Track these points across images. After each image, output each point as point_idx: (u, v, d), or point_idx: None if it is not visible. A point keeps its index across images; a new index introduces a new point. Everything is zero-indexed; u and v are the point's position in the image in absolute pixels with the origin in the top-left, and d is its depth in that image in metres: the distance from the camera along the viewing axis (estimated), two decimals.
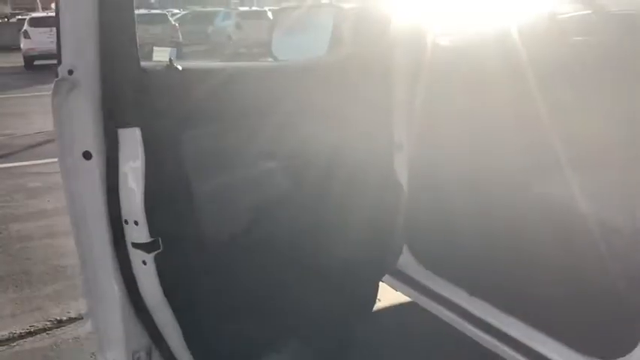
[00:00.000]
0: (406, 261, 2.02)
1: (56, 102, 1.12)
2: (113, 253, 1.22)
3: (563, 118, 1.71)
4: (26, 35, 16.28)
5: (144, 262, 1.22)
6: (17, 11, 36.76)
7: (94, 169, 1.18)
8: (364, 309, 2.44)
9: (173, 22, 17.70)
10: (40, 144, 6.51)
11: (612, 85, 1.54)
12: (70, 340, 2.58)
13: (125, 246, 1.22)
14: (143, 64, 1.18)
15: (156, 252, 1.22)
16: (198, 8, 23.77)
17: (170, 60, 1.22)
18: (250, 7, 24.51)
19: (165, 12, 18.35)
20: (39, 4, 41.10)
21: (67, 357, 2.47)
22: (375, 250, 1.86)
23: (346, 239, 1.74)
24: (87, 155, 1.17)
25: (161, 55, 1.23)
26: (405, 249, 2.03)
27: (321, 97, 1.65)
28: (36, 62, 16.16)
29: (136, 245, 1.22)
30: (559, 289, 1.71)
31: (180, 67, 1.24)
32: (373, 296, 2.42)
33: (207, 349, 1.37)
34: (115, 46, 1.12)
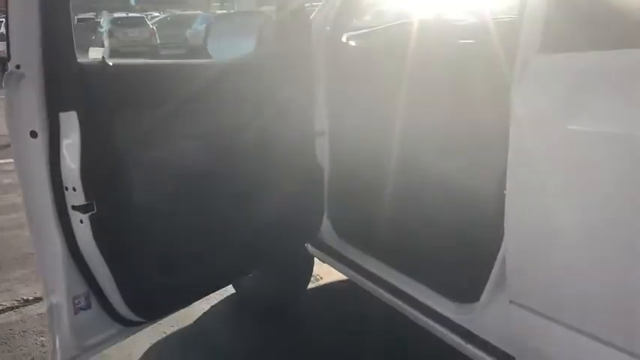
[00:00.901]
0: (327, 231, 2.31)
1: (7, 91, 1.39)
2: (56, 214, 1.50)
3: (451, 107, 2.05)
4: None
5: (81, 221, 1.50)
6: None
7: (40, 145, 1.45)
8: (297, 280, 2.75)
9: (151, 26, 17.82)
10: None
11: (489, 81, 1.84)
12: (36, 316, 2.84)
13: (66, 208, 1.50)
14: (80, 60, 1.47)
15: (90, 213, 1.50)
16: (178, 12, 23.81)
17: (102, 57, 1.51)
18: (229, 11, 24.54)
19: (143, 15, 18.44)
20: None
21: (31, 329, 2.73)
22: (297, 220, 2.14)
23: (269, 209, 2.03)
24: (33, 134, 1.44)
25: (96, 54, 1.51)
26: (326, 221, 2.31)
27: (244, 90, 1.95)
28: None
29: (74, 207, 1.49)
30: (443, 249, 2.04)
31: (111, 63, 1.53)
32: (305, 269, 2.72)
33: (137, 295, 1.65)
34: (55, 45, 1.40)
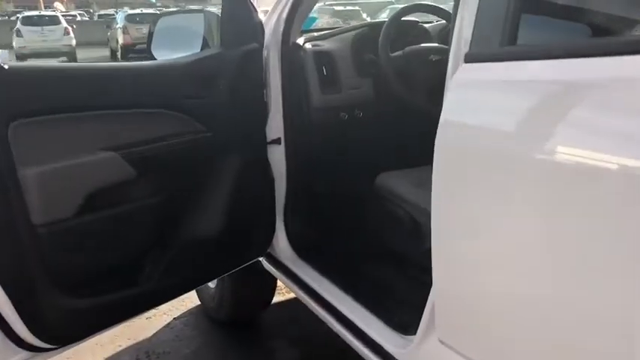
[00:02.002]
0: (282, 248, 2.15)
1: None
2: None
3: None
4: (18, 34, 16.49)
5: None
6: (19, 9, 37.17)
7: None
8: (258, 293, 2.60)
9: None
10: None
11: None
12: None
13: None
14: None
15: None
16: (194, 7, 23.64)
17: None
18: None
19: (157, 12, 18.37)
20: (42, 2, 41.45)
21: None
22: (243, 234, 1.99)
23: (208, 221, 1.89)
24: None
25: None
26: (282, 237, 2.16)
27: (181, 95, 1.80)
28: (29, 60, 16.40)
29: None
30: (397, 276, 1.89)
31: (6, 67, 1.40)
32: (266, 284, 2.57)
33: (40, 320, 1.51)
34: None
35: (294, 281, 2.11)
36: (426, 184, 1.95)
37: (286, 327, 2.75)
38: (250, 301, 2.64)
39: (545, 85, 1.05)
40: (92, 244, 1.60)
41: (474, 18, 1.18)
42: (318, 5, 21.24)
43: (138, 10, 19.64)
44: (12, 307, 1.45)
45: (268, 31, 2.05)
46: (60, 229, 1.52)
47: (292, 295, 2.93)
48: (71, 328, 1.61)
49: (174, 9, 23.61)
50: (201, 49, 2.02)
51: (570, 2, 1.23)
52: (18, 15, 20.81)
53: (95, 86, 1.61)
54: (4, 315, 1.47)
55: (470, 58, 1.17)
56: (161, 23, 2.05)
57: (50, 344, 1.58)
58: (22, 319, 1.48)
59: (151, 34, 2.04)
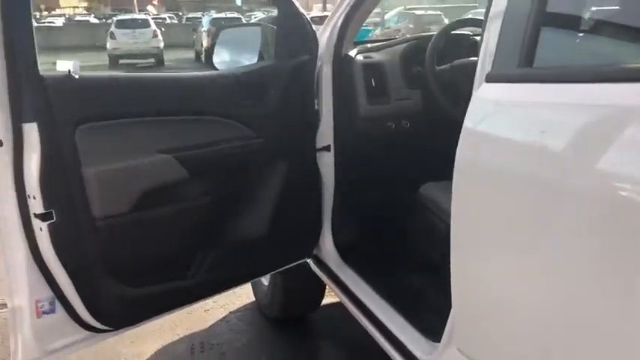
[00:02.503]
0: (328, 251, 2.25)
1: None
2: (20, 220, 1.56)
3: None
4: (112, 36, 17.51)
5: (40, 229, 1.55)
6: (116, 12, 39.36)
7: (4, 154, 1.52)
8: (307, 293, 2.70)
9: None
10: None
11: None
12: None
13: (29, 215, 1.56)
14: (43, 73, 1.52)
15: (49, 221, 1.54)
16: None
17: (69, 71, 1.56)
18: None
19: (240, 16, 18.91)
20: (136, 5, 43.66)
21: None
22: (289, 235, 2.10)
23: (257, 220, 2.01)
24: (0, 143, 1.52)
25: (64, 66, 1.56)
26: (328, 241, 2.25)
27: (236, 103, 1.93)
28: (120, 61, 17.40)
29: (35, 215, 1.55)
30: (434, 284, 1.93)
31: (77, 76, 1.57)
32: (314, 284, 2.66)
33: (99, 303, 1.69)
34: (17, 58, 1.46)
35: (336, 284, 2.20)
36: None
37: (336, 328, 2.83)
38: (299, 301, 2.74)
39: (560, 108, 1.08)
40: (145, 238, 1.76)
41: (497, 39, 1.22)
42: (397, 10, 21.27)
43: (222, 15, 20.35)
44: (75, 292, 1.63)
45: (322, 43, 2.15)
46: (117, 223, 1.68)
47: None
48: (124, 313, 1.78)
49: (259, 13, 24.27)
50: (257, 61, 2.14)
51: (588, 26, 1.24)
52: (113, 18, 22.08)
53: (154, 94, 1.77)
54: (68, 298, 1.65)
55: (490, 78, 1.21)
56: (223, 36, 2.20)
57: (106, 326, 1.74)
58: (83, 302, 1.66)
59: (213, 46, 2.19)
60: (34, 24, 1.53)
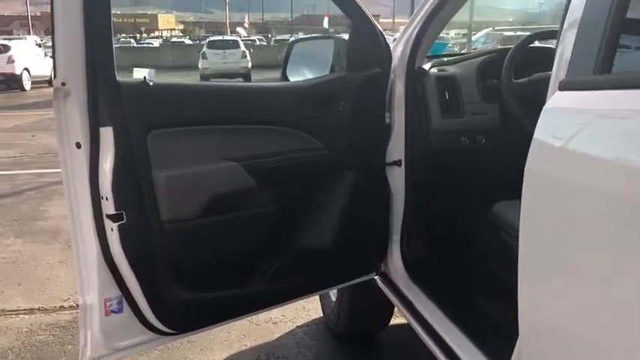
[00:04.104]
0: (396, 269, 2.19)
1: (55, 105, 1.56)
2: (93, 220, 1.63)
3: None
4: (203, 56, 18.29)
5: (112, 229, 1.61)
6: (209, 34, 41.16)
7: (83, 156, 1.60)
8: (375, 311, 2.64)
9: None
10: None
11: None
12: None
13: (102, 216, 1.63)
14: (120, 80, 1.59)
15: (120, 222, 1.60)
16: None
17: (144, 78, 1.62)
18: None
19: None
20: (228, 28, 45.48)
21: None
22: (354, 249, 2.07)
23: (325, 233, 1.99)
24: (78, 145, 1.59)
25: (140, 74, 1.62)
26: (397, 258, 2.20)
27: (304, 113, 1.94)
28: (211, 80, 18.11)
29: (107, 216, 1.61)
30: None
31: (151, 83, 1.63)
32: (381, 302, 2.60)
33: (165, 306, 1.72)
34: (96, 64, 1.54)
35: (403, 303, 2.13)
36: None
37: (401, 350, 2.76)
38: (365, 318, 2.69)
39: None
40: (212, 244, 1.79)
41: (572, 45, 1.15)
42: (485, 31, 20.83)
43: (308, 36, 20.75)
44: (141, 293, 1.68)
45: (396, 56, 2.13)
46: (184, 227, 1.72)
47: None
48: (189, 318, 1.80)
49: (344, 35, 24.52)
50: (329, 73, 2.15)
51: None
52: (206, 39, 23.08)
53: (225, 103, 1.81)
54: (135, 299, 1.70)
55: (564, 86, 1.14)
56: (295, 48, 2.23)
57: (171, 329, 1.78)
58: (149, 304, 1.70)
59: (286, 58, 2.22)
60: (134, 44, 1.61)
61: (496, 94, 2.13)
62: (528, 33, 2.26)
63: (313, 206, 1.98)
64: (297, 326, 2.98)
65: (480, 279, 2.11)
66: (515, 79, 2.00)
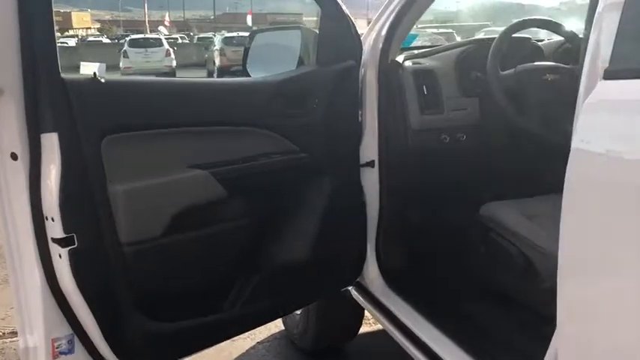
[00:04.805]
0: (372, 277, 2.02)
1: None
2: (35, 245, 1.35)
3: None
4: (125, 55, 17.55)
5: (59, 256, 1.34)
6: (128, 33, 39.68)
7: (20, 168, 1.32)
8: (344, 323, 2.47)
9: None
10: None
11: None
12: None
13: (46, 240, 1.35)
14: (65, 76, 1.32)
15: (70, 247, 1.33)
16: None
17: (94, 74, 1.36)
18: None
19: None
20: (147, 27, 44.09)
21: None
22: (330, 261, 1.88)
23: (297, 246, 1.80)
24: (14, 156, 1.31)
25: (88, 69, 1.36)
26: (372, 266, 2.03)
27: (273, 113, 1.72)
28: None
29: (54, 240, 1.34)
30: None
31: (103, 80, 1.37)
32: (353, 313, 2.44)
33: (126, 341, 1.46)
34: (36, 60, 1.26)
35: (383, 313, 1.97)
36: (540, 217, 1.78)
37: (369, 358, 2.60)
38: (335, 331, 2.51)
39: None
40: (178, 266, 1.54)
41: (615, 31, 1.01)
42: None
43: (235, 33, 20.32)
44: (97, 329, 1.41)
45: (366, 48, 1.95)
46: (147, 249, 1.47)
47: (380, 327, 2.80)
48: (153, 353, 1.55)
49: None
50: (297, 67, 1.94)
51: None
52: (126, 38, 22.14)
53: (190, 102, 1.57)
54: (90, 336, 1.43)
55: (610, 75, 1.00)
56: (257, 40, 2.00)
57: None
58: (106, 341, 1.44)
59: (246, 51, 2.00)
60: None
61: (479, 87, 2.00)
62: (452, 31, 2.17)
63: (289, 217, 1.78)
64: (257, 342, 2.75)
65: (464, 283, 1.98)
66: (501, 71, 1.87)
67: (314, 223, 1.81)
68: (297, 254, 1.79)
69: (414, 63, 2.05)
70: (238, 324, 1.73)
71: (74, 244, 1.34)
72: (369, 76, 1.93)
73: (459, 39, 16.98)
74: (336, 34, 1.85)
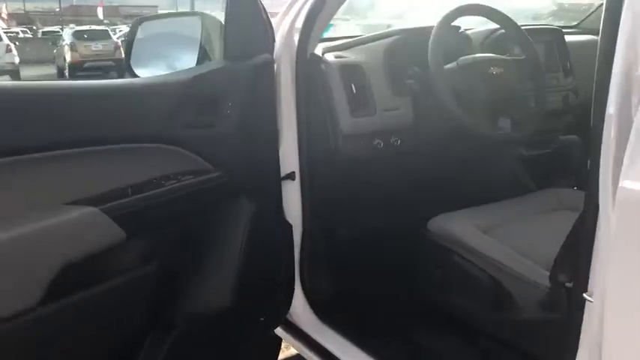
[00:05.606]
0: (299, 309, 1.72)
1: None
2: None
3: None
4: None
5: None
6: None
7: None
8: None
9: (115, 39, 16.88)
10: None
11: None
12: None
13: None
14: None
15: None
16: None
17: None
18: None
19: (107, 28, 17.64)
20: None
21: None
22: (258, 302, 1.56)
23: (218, 293, 1.45)
24: None
25: None
26: (299, 296, 1.73)
27: (178, 123, 1.34)
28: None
29: None
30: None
31: None
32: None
33: None
34: None
35: (316, 352, 1.68)
36: (495, 229, 1.58)
37: None
38: None
39: None
40: (66, 342, 1.12)
41: None
42: None
43: (87, 27, 18.76)
44: None
45: (279, 39, 1.61)
46: (20, 325, 1.03)
47: (294, 352, 2.51)
48: None
49: (124, 27, 22.71)
50: (197, 63, 1.56)
51: None
52: None
53: (61, 114, 1.14)
54: None
55: None
56: (144, 30, 1.59)
57: None
58: None
59: (130, 44, 1.58)
60: None
61: (415, 84, 1.74)
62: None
63: (203, 254, 1.41)
64: None
65: (411, 309, 1.75)
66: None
67: (235, 259, 1.46)
68: (218, 300, 1.43)
69: (336, 57, 1.74)
70: None
71: None
72: (284, 72, 1.60)
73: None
74: (246, 21, 1.50)
